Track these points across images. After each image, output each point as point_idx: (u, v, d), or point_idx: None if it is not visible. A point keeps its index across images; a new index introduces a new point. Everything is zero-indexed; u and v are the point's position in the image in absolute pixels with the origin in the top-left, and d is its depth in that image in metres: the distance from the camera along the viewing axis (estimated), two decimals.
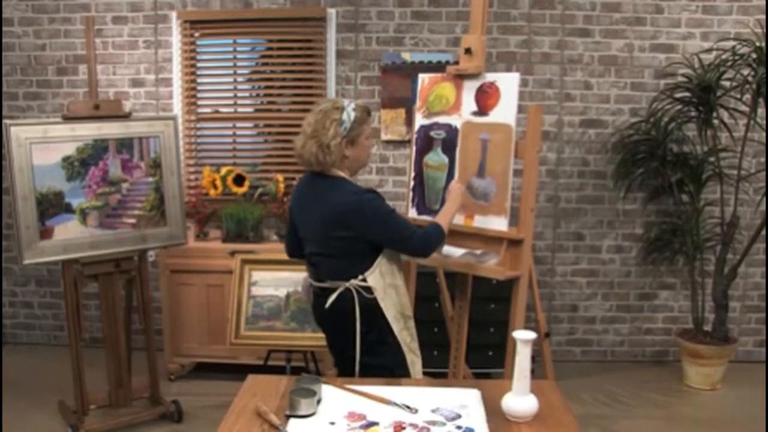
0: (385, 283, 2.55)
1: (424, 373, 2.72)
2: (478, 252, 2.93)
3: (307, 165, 2.57)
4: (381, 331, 2.55)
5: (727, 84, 4.11)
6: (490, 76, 2.97)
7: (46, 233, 3.35)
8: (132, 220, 3.59)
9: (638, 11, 4.47)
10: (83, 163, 3.44)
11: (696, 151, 4.40)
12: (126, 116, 3.65)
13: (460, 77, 3.04)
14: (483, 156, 2.95)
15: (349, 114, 2.49)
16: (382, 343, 2.55)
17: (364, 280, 2.52)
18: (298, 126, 2.62)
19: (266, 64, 4.75)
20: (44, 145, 3.33)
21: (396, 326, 2.57)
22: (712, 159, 4.30)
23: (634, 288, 4.71)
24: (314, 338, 3.53)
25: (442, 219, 2.67)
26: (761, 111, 4.14)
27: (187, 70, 4.64)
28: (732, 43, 4.12)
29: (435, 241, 2.60)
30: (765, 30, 4.01)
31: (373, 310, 2.53)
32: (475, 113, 2.98)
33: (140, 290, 3.68)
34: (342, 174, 2.56)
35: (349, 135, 2.50)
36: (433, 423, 1.87)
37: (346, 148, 2.51)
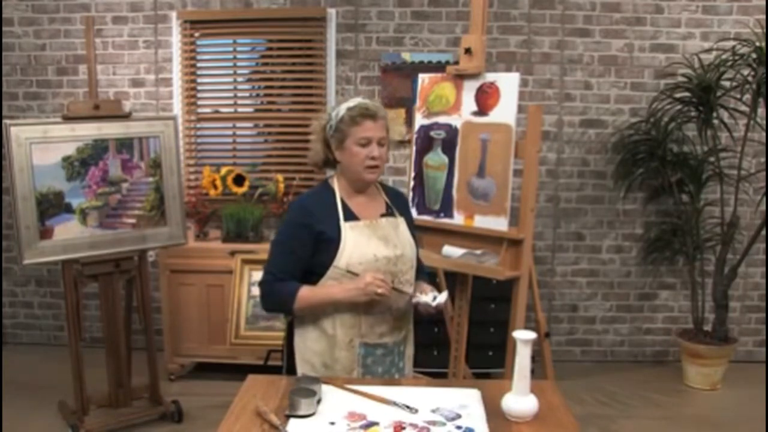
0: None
1: (425, 373, 2.70)
2: (478, 252, 2.93)
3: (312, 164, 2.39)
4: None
5: (727, 84, 4.11)
6: (490, 76, 2.97)
7: (46, 233, 3.35)
8: (132, 220, 3.58)
9: (638, 11, 4.47)
10: (83, 163, 3.44)
11: (696, 151, 4.40)
12: (126, 116, 3.65)
13: (460, 77, 3.04)
14: (483, 156, 2.95)
15: (339, 112, 2.22)
16: None
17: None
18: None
19: (266, 64, 4.74)
20: (44, 145, 3.33)
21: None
22: (712, 159, 4.30)
23: (634, 288, 4.71)
24: None
25: (314, 293, 2.18)
26: (761, 111, 4.14)
27: (187, 70, 4.64)
28: (732, 43, 4.12)
29: (275, 301, 2.22)
30: (765, 30, 4.00)
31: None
32: (475, 113, 2.98)
33: (140, 290, 3.68)
34: (333, 179, 2.29)
35: (336, 135, 2.22)
36: (433, 423, 1.87)
37: (337, 150, 2.23)
